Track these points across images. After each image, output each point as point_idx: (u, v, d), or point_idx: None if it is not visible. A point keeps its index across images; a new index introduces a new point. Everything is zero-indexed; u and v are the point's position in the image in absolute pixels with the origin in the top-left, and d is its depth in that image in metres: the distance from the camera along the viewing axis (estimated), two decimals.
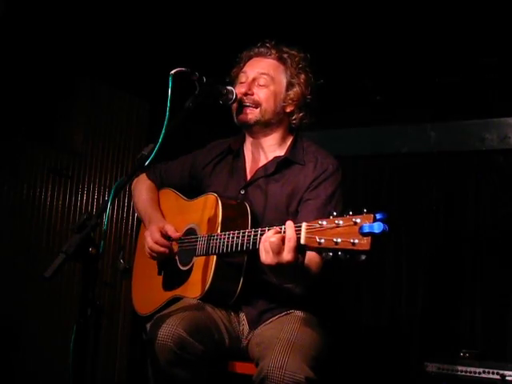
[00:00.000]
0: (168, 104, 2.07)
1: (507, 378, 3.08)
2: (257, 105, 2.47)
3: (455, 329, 3.84)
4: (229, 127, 2.63)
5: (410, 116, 4.14)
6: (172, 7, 3.62)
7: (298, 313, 2.39)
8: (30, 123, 3.75)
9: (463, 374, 3.20)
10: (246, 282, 2.33)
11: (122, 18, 3.70)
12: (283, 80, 2.50)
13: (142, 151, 2.09)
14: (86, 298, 1.88)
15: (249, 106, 2.46)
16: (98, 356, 1.94)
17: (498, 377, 3.11)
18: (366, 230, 1.71)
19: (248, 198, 2.46)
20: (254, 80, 2.47)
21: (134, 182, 2.84)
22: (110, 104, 4.19)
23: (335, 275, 2.68)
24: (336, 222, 1.78)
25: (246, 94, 2.45)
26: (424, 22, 3.54)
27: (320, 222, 1.83)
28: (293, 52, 2.54)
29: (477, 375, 3.17)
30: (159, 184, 2.78)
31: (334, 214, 1.81)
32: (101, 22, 3.69)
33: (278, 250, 1.95)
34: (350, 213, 1.78)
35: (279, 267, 1.98)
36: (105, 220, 1.96)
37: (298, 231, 1.91)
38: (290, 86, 2.51)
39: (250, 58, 2.55)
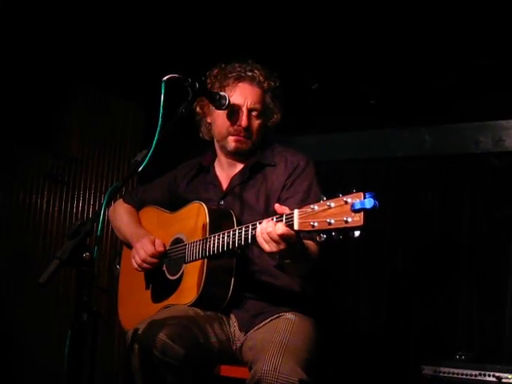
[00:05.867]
0: (161, 110, 2.08)
1: (503, 380, 3.08)
2: (251, 136, 2.54)
3: (451, 331, 3.85)
4: None
5: (405, 120, 4.15)
6: (167, 13, 3.62)
7: (291, 315, 2.40)
8: (26, 129, 3.75)
9: (459, 376, 3.20)
10: (236, 286, 2.36)
11: (118, 24, 3.70)
12: (268, 110, 2.59)
13: (135, 157, 2.10)
14: (80, 303, 1.88)
15: (244, 137, 2.53)
16: (95, 361, 1.95)
17: (494, 379, 3.11)
18: (358, 206, 1.75)
19: (228, 207, 2.50)
20: (248, 111, 2.52)
21: (111, 208, 2.87)
22: (106, 109, 4.20)
23: (330, 277, 2.69)
24: (328, 204, 1.83)
25: (244, 127, 2.50)
26: (418, 25, 3.55)
27: (312, 207, 1.87)
28: (273, 79, 2.60)
29: (473, 378, 3.17)
30: (138, 206, 2.83)
31: (324, 198, 1.85)
32: (96, 27, 3.69)
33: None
34: (340, 195, 1.82)
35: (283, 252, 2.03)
36: (99, 226, 1.96)
37: (290, 218, 1.94)
38: (271, 113, 2.61)
39: (238, 79, 2.54)
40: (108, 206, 2.01)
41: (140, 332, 2.25)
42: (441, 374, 3.24)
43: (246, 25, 3.69)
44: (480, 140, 3.96)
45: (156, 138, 2.05)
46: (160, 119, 2.06)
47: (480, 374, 3.15)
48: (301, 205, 1.94)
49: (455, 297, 3.88)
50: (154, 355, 2.17)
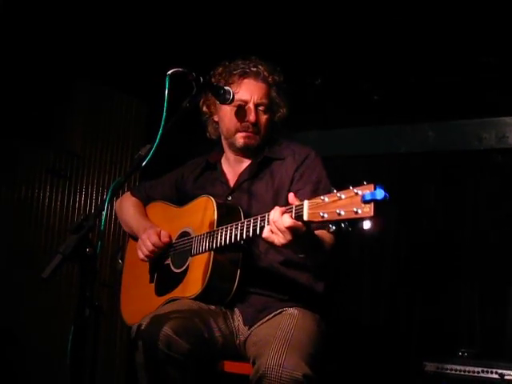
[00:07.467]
0: (165, 104, 2.07)
1: (506, 377, 3.08)
2: (259, 131, 2.55)
3: (454, 328, 3.84)
4: None
5: (408, 116, 4.15)
6: (170, 8, 3.62)
7: (294, 310, 2.39)
8: (28, 124, 3.75)
9: (462, 373, 3.20)
10: (242, 280, 2.35)
11: (120, 19, 3.70)
12: (274, 104, 2.60)
13: (139, 151, 2.09)
14: (83, 299, 1.88)
15: (253, 133, 2.53)
16: (96, 357, 1.94)
17: (496, 376, 3.11)
18: (368, 197, 1.74)
19: (236, 203, 2.50)
20: (255, 106, 2.53)
21: (118, 201, 2.91)
22: (108, 105, 4.20)
23: (333, 272, 2.68)
24: (338, 195, 1.82)
25: (252, 123, 2.51)
26: (421, 21, 3.54)
27: (322, 198, 1.86)
28: (277, 73, 2.61)
29: (475, 374, 3.17)
30: (145, 200, 2.84)
31: (334, 190, 1.85)
32: (98, 23, 3.69)
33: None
34: (350, 187, 1.81)
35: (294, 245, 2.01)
36: (102, 220, 1.96)
37: (300, 209, 1.93)
38: (277, 108, 2.62)
39: (243, 76, 2.55)
40: (111, 201, 2.00)
41: (144, 327, 2.24)
42: (443, 371, 3.24)
43: (248, 21, 3.68)
44: (483, 136, 3.96)
45: (160, 132, 2.04)
46: (164, 114, 2.05)
47: (483, 371, 3.15)
48: (312, 195, 1.93)
49: (458, 293, 3.87)
50: (158, 350, 2.17)
